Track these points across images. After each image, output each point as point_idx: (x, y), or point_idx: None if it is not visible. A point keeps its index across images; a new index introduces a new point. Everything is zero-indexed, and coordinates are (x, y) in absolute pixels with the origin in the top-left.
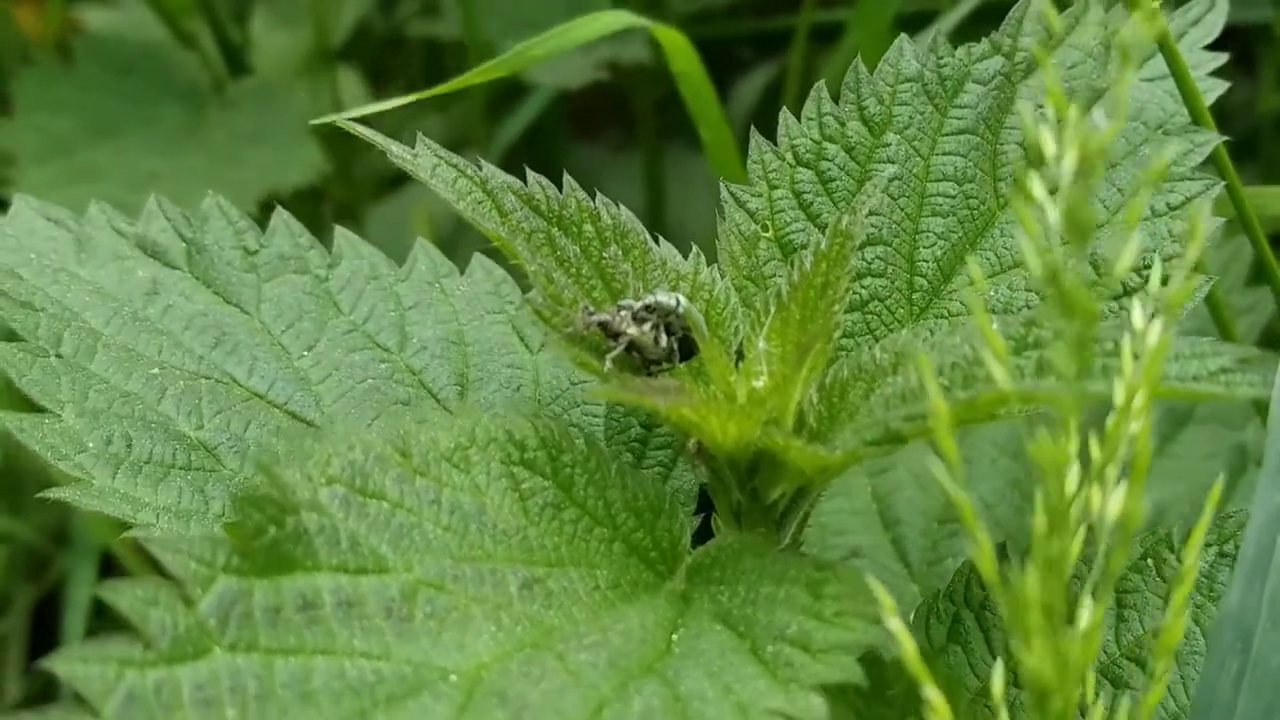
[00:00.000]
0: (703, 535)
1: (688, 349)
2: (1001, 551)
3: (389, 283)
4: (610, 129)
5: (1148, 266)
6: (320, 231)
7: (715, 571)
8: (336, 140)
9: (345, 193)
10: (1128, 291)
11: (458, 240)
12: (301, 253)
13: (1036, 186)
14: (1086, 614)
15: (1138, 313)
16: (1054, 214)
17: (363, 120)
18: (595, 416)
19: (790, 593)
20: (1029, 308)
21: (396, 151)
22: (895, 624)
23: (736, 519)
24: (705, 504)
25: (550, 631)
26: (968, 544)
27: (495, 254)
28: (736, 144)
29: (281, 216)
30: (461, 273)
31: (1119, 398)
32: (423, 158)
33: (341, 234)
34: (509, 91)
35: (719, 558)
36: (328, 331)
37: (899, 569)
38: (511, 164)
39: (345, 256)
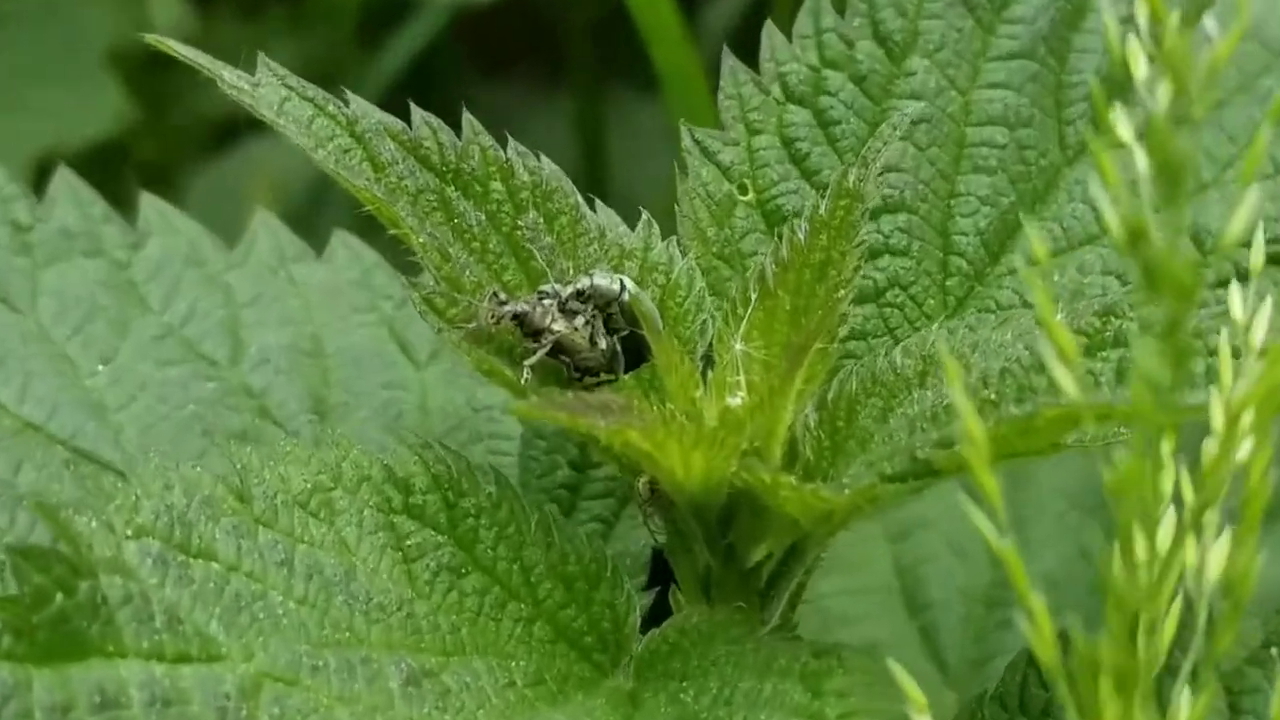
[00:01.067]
0: (655, 619)
1: (635, 353)
2: (1068, 639)
3: (216, 269)
4: (528, 63)
5: (1273, 241)
6: (123, 203)
7: (675, 662)
8: (145, 77)
9: (157, 150)
10: (1241, 275)
11: (313, 219)
12: (93, 227)
13: (1122, 123)
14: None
15: (1237, 300)
16: (1143, 162)
17: (189, 45)
18: (506, 455)
19: (780, 689)
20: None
21: (229, 79)
22: None
23: (704, 591)
24: (659, 575)
25: None
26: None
27: (365, 231)
28: (706, 77)
29: (66, 179)
30: (319, 256)
31: (1218, 415)
32: (266, 89)
33: (150, 203)
34: (388, 9)
35: (680, 644)
36: (131, 337)
37: (929, 669)
38: (393, 108)
39: (155, 233)
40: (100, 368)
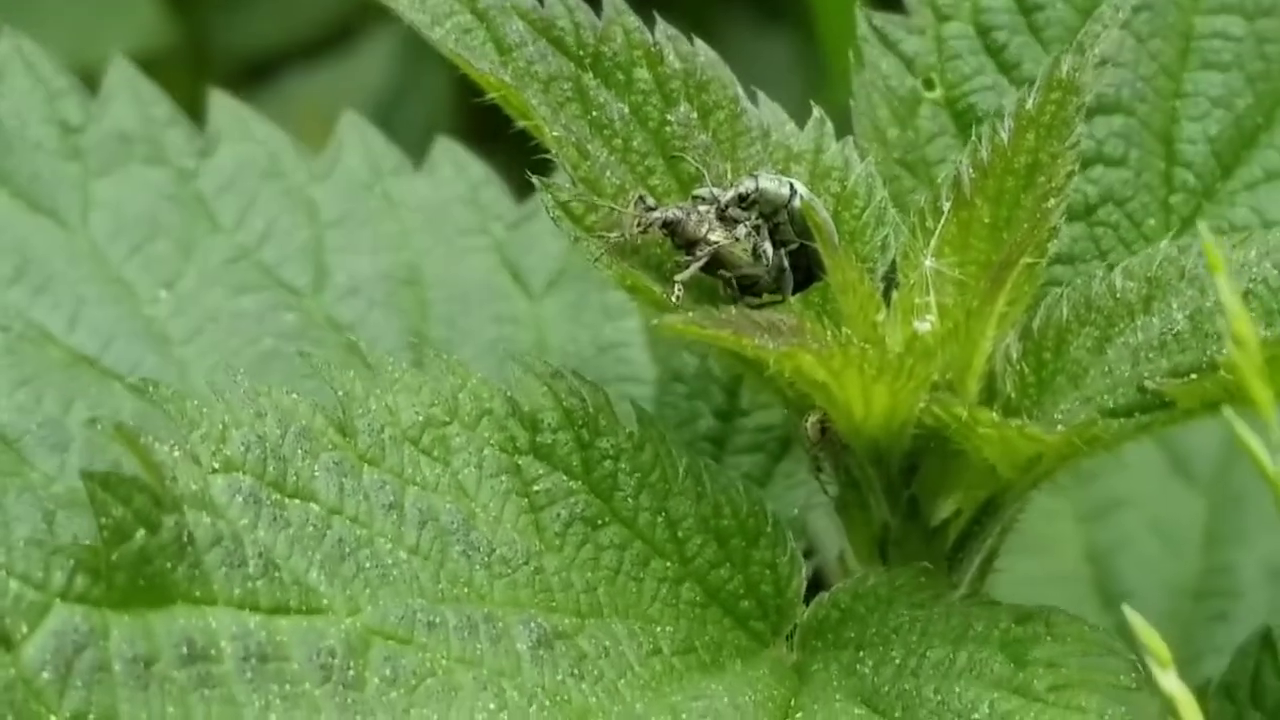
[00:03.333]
0: (811, 592)
1: (805, 271)
2: None
3: (298, 183)
4: None
5: None
6: None
7: (849, 630)
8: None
9: (191, 80)
10: None
11: None
12: (155, 131)
13: None
14: None
15: None
16: None
17: None
18: (640, 401)
19: (977, 658)
20: None
21: None
22: (1173, 682)
23: (881, 552)
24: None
25: (584, 717)
26: (1242, 627)
27: (471, 142)
28: None
29: (124, 74)
30: (418, 169)
31: None
32: None
33: (222, 104)
34: None
35: (854, 609)
36: (198, 259)
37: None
38: None
39: (227, 139)
40: (162, 294)
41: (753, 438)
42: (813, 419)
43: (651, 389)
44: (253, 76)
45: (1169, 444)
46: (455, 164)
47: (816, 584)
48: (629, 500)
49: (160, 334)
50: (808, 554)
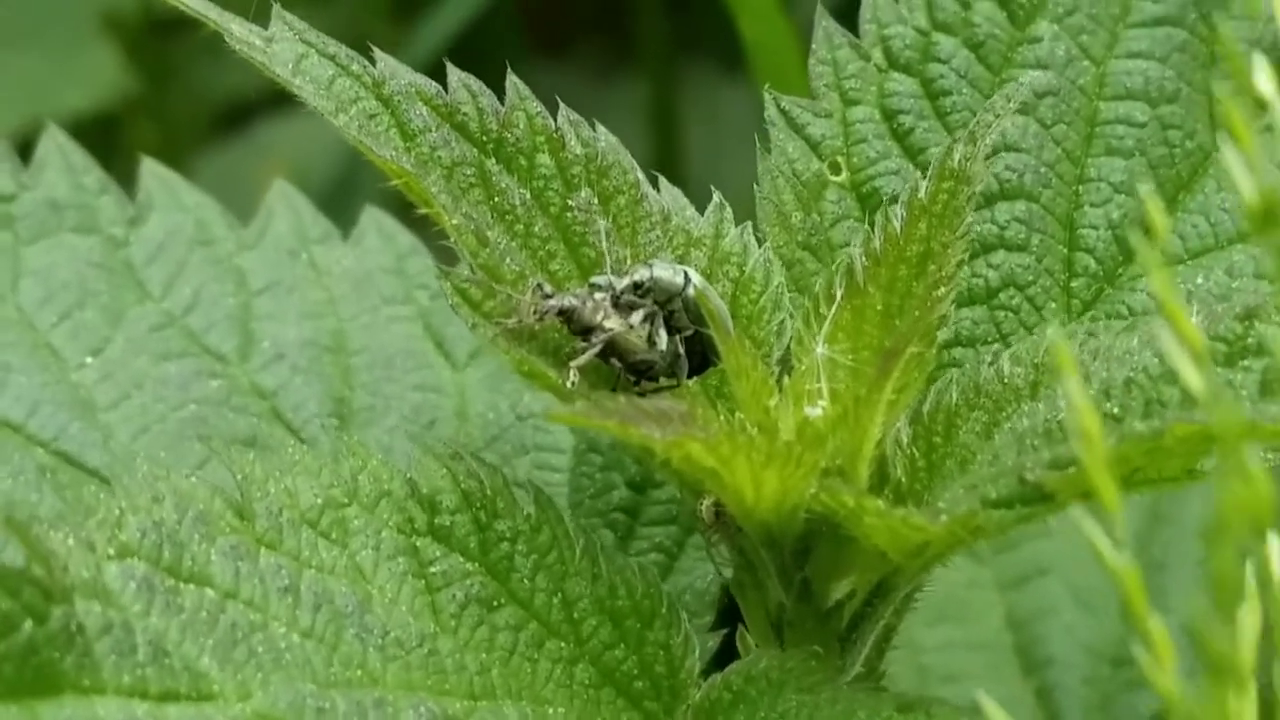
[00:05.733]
0: (723, 665)
1: (701, 356)
2: None
3: (227, 251)
4: (591, 39)
5: None
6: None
7: (739, 713)
8: (145, 49)
9: (157, 132)
10: None
11: (335, 213)
12: (87, 199)
13: (1260, 73)
14: None
15: None
16: None
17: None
18: (556, 471)
19: None
20: None
21: (239, 33)
22: None
23: (776, 633)
24: (730, 615)
25: None
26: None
27: (401, 211)
28: (800, 51)
29: (56, 142)
30: (346, 238)
31: None
32: (281, 45)
33: (153, 172)
34: None
35: (745, 692)
36: (125, 327)
37: None
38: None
39: (157, 208)
40: (89, 360)
41: (666, 509)
42: (707, 503)
43: (569, 458)
44: (226, 126)
45: (1091, 513)
46: (382, 233)
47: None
48: (525, 581)
49: (86, 400)
50: (731, 620)
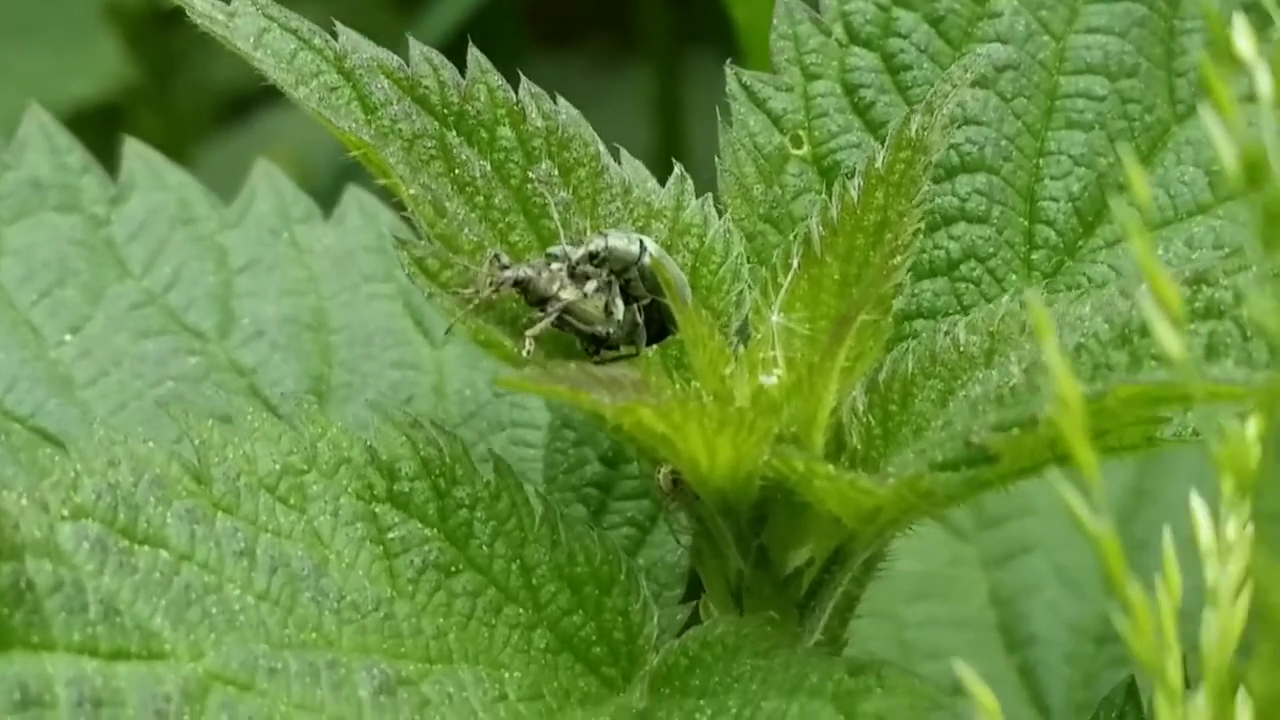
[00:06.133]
0: None
1: (660, 324)
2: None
3: (208, 230)
4: (594, 32)
5: None
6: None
7: (695, 678)
8: (147, 38)
9: (159, 122)
10: None
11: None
12: (68, 179)
13: (1241, 36)
14: None
15: None
16: (1266, 84)
17: None
18: (531, 447)
19: (808, 710)
20: None
21: (201, 7)
22: None
23: (736, 601)
24: (699, 589)
25: None
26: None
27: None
28: None
29: (39, 122)
30: (328, 218)
31: None
32: (243, 19)
33: (135, 152)
34: None
35: (701, 657)
36: (105, 304)
37: (1029, 713)
38: None
39: (139, 187)
40: (68, 337)
41: (638, 484)
42: (664, 470)
43: (544, 434)
44: (228, 115)
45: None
46: (364, 212)
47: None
48: (484, 548)
49: (64, 377)
50: (697, 595)
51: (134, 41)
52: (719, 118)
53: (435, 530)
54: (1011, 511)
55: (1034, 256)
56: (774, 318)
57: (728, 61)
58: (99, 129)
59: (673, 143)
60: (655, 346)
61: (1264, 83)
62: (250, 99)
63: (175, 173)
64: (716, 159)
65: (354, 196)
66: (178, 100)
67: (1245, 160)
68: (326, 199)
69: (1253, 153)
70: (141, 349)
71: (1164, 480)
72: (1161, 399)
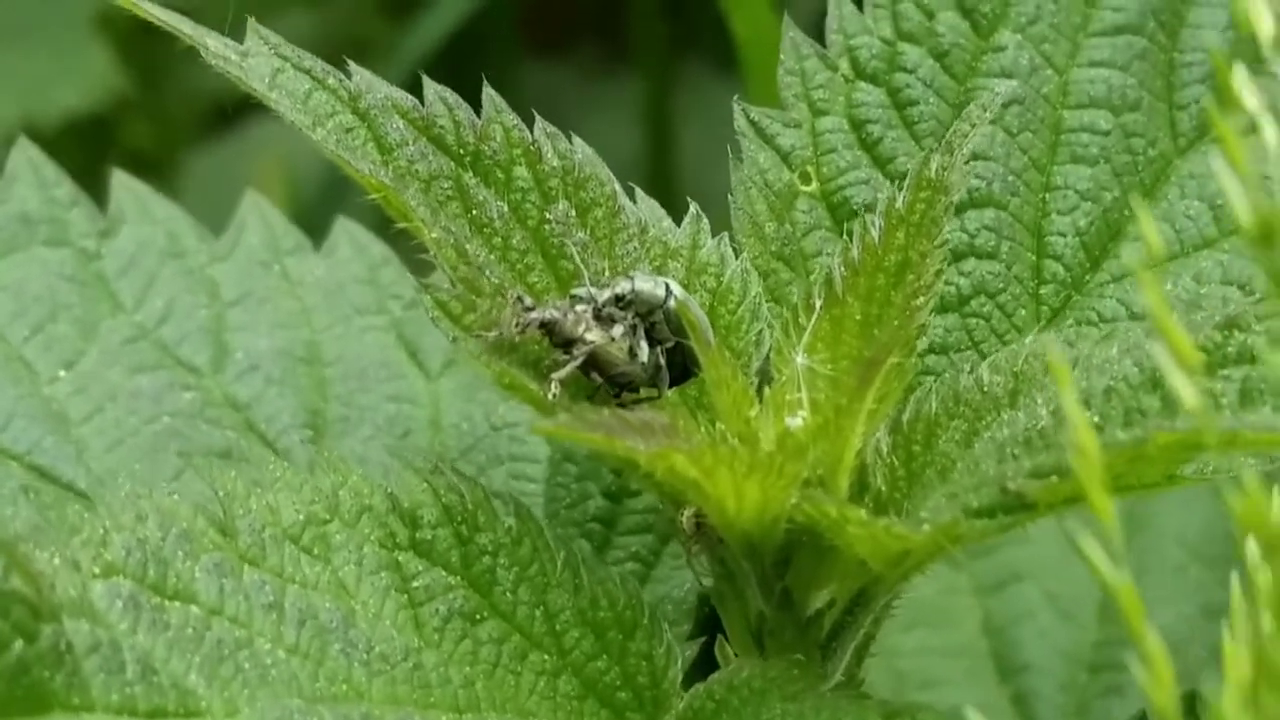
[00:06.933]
0: (701, 674)
1: (681, 368)
2: (1190, 706)
3: (199, 263)
4: (587, 40)
5: None
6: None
7: None
8: (137, 47)
9: (150, 131)
10: None
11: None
12: (57, 212)
13: (1248, 91)
14: None
15: None
16: (1275, 140)
17: (184, 13)
18: (531, 482)
19: None
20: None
21: (215, 48)
22: None
23: (757, 642)
24: (705, 625)
25: None
26: (1137, 700)
27: (385, 224)
28: None
29: (27, 154)
30: (319, 249)
31: None
32: (256, 59)
33: (124, 185)
34: None
35: (728, 700)
36: (98, 340)
37: None
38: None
39: (129, 220)
40: (62, 373)
41: (642, 519)
42: (688, 513)
43: (544, 468)
44: (217, 124)
45: (1067, 520)
46: (354, 244)
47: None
48: (508, 594)
49: (59, 413)
50: (709, 629)
51: (123, 51)
52: (730, 155)
53: (459, 578)
54: (1004, 540)
55: (1042, 291)
56: (798, 359)
57: (735, 98)
58: (89, 138)
59: (663, 152)
60: (676, 390)
61: (1272, 136)
62: (239, 108)
63: (163, 205)
64: (730, 197)
65: (344, 228)
66: (167, 108)
67: (1260, 224)
68: (317, 210)
69: (1268, 212)
70: (136, 384)
71: (1154, 505)
72: (1199, 445)
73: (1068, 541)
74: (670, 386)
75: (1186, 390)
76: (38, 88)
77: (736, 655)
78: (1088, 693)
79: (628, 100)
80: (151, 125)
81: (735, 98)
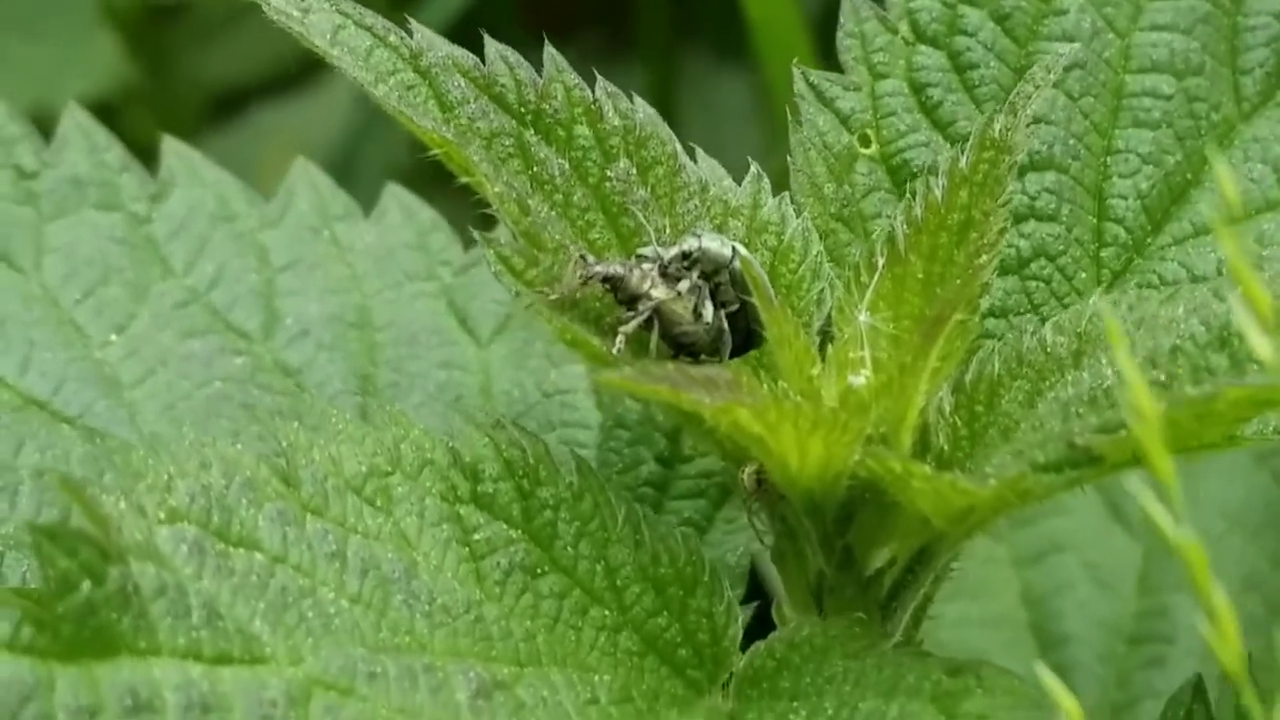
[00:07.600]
0: (755, 635)
1: (745, 333)
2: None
3: (249, 227)
4: (589, 22)
5: None
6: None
7: (784, 679)
8: (143, 36)
9: (155, 116)
10: None
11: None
12: (108, 176)
13: None
14: None
15: None
16: None
17: None
18: (583, 448)
19: (909, 710)
20: None
21: (277, 4)
22: None
23: (816, 601)
24: (754, 593)
25: None
26: (1178, 671)
27: (419, 187)
28: (808, 31)
29: (77, 120)
30: (367, 215)
31: None
32: (317, 15)
33: (174, 149)
34: None
35: (789, 659)
36: (149, 303)
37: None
38: None
39: (179, 184)
40: (113, 337)
41: (694, 484)
42: (749, 470)
43: (595, 434)
44: (223, 112)
45: (1106, 490)
46: (404, 210)
47: (766, 626)
48: (568, 549)
49: (111, 377)
50: (756, 597)
51: (129, 38)
52: (789, 117)
53: (520, 531)
54: (1043, 510)
55: (1103, 254)
56: (861, 317)
57: (793, 61)
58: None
59: None
60: (735, 358)
61: None
62: (245, 95)
63: (212, 169)
64: (789, 158)
65: (394, 194)
66: (173, 97)
67: None
68: None
69: None
70: (188, 348)
71: (1196, 476)
72: (1269, 401)
73: (1108, 511)
74: (731, 356)
75: (1262, 344)
76: (46, 77)
77: (794, 615)
78: (1128, 664)
79: (630, 86)
80: (156, 114)
81: (794, 61)
